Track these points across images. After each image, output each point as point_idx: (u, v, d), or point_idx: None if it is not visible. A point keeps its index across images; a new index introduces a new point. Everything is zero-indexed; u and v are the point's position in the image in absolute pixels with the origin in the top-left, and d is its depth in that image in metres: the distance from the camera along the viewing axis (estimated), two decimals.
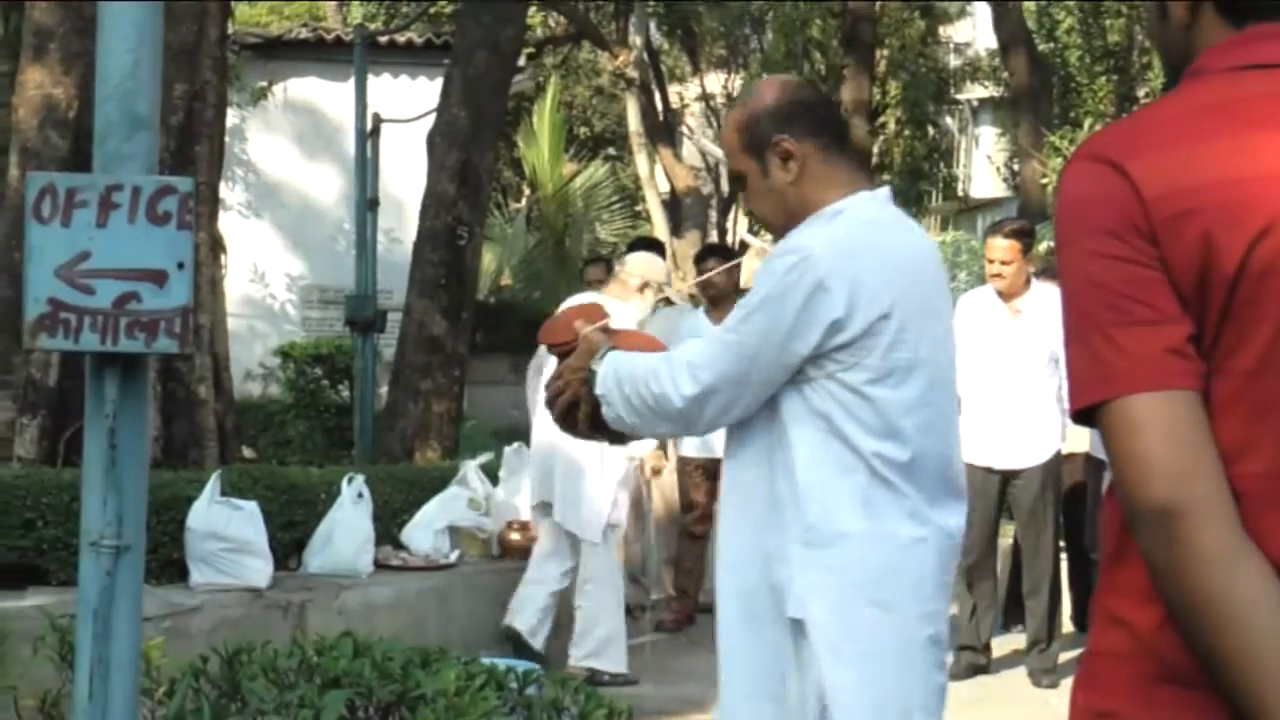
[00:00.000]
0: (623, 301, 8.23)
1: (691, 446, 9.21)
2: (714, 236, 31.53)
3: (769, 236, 12.69)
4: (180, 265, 2.31)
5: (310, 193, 18.47)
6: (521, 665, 6.82)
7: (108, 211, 2.31)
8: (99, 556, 2.34)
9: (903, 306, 3.36)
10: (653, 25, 30.65)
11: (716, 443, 9.41)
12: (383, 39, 18.01)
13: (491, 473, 9.24)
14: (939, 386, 3.47)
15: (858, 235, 3.46)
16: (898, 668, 3.34)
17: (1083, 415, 1.94)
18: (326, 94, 18.43)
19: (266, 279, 18.68)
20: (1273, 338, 1.85)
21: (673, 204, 30.44)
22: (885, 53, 23.76)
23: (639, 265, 8.67)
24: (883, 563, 3.37)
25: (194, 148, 9.10)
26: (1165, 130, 1.94)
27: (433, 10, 22.66)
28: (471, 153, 10.45)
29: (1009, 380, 8.07)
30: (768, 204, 3.64)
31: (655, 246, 9.61)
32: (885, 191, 3.63)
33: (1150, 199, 1.87)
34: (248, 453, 14.14)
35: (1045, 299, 7.90)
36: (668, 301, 9.07)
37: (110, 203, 2.31)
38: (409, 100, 15.45)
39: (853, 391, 3.35)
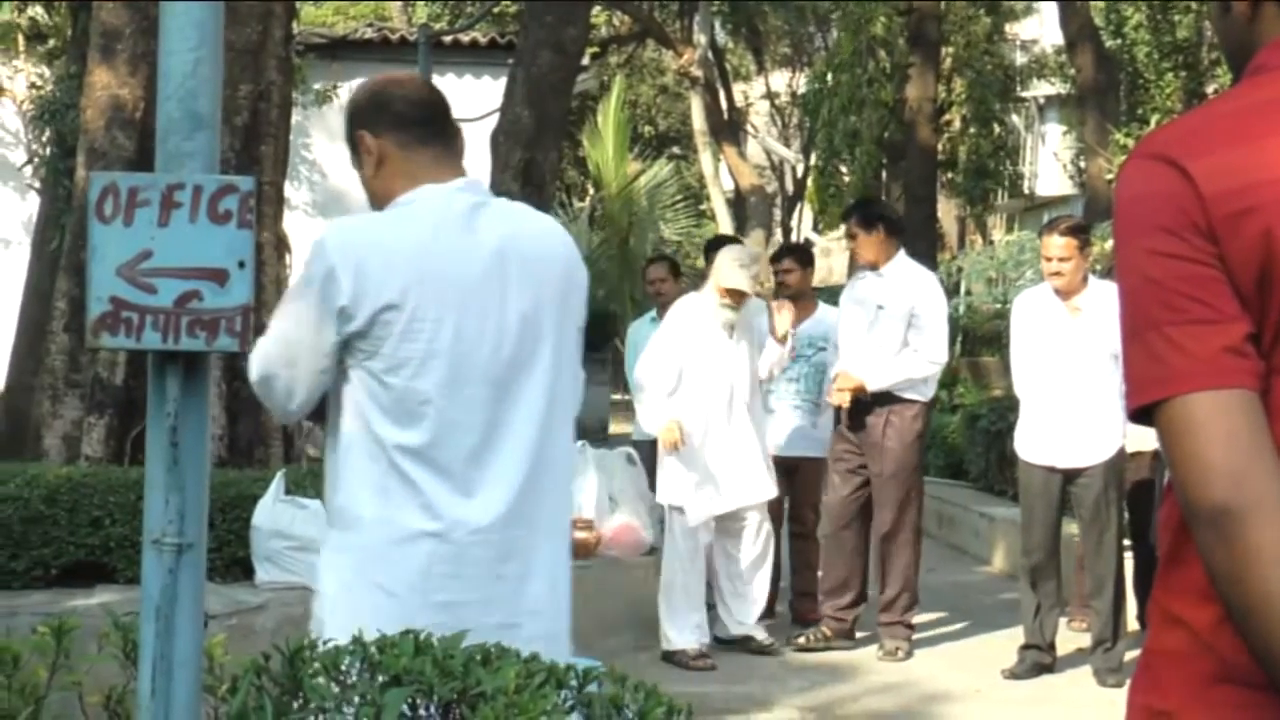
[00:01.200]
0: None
1: None
2: (778, 235, 31.53)
3: (831, 235, 12.64)
4: (241, 264, 2.32)
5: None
6: (583, 663, 6.84)
7: (169, 210, 2.31)
8: (161, 554, 2.35)
9: (418, 297, 3.40)
10: (717, 24, 30.68)
11: (784, 440, 9.49)
12: (447, 39, 18.06)
13: None
14: (466, 380, 3.46)
15: (373, 226, 3.59)
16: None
17: (1140, 414, 1.93)
18: None
19: None
20: None
21: (737, 202, 30.46)
22: (950, 50, 23.66)
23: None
24: (389, 550, 3.47)
25: (259, 147, 9.15)
26: (1224, 127, 1.93)
27: (496, 10, 22.74)
28: (535, 152, 10.45)
29: (1069, 378, 8.02)
30: (367, 194, 3.76)
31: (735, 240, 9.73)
32: (460, 184, 3.62)
33: (1209, 196, 1.86)
34: (314, 451, 14.21)
35: (1104, 296, 7.85)
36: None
37: (172, 202, 2.32)
38: (473, 99, 15.47)
39: (375, 379, 3.43)
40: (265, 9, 9.16)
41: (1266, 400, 1.87)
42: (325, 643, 2.93)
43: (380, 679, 2.99)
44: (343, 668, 3.10)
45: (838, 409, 9.13)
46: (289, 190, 18.45)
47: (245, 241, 2.34)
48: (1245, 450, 1.82)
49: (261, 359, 3.57)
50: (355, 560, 3.55)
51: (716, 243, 10.02)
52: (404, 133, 3.66)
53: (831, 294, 12.74)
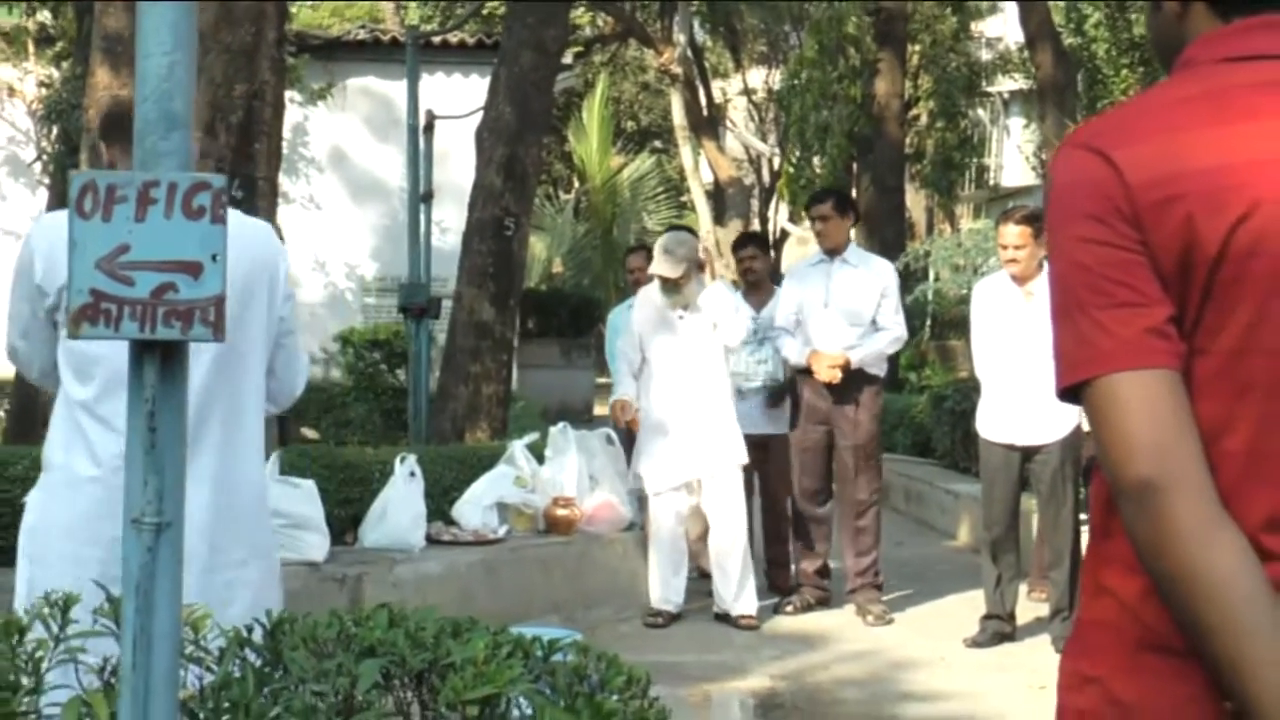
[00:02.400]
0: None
1: None
2: (755, 225, 31.52)
3: (807, 224, 12.66)
4: (214, 257, 2.32)
5: (369, 186, 18.54)
6: (557, 633, 6.85)
7: (145, 207, 2.32)
8: (140, 533, 2.35)
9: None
10: (696, 24, 30.65)
11: (754, 419, 9.54)
12: (436, 39, 18.06)
13: (537, 452, 9.28)
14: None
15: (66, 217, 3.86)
16: (68, 575, 3.64)
17: (1068, 394, 1.95)
18: (384, 92, 18.51)
19: (327, 268, 18.77)
20: (1252, 319, 1.86)
21: (716, 194, 30.46)
22: (917, 48, 23.67)
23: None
24: (65, 491, 3.94)
25: (253, 145, 9.11)
26: (1151, 119, 1.95)
27: (485, 11, 22.71)
28: (517, 147, 10.47)
29: (1025, 360, 8.04)
30: None
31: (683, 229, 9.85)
32: None
33: (1134, 185, 1.88)
34: (311, 433, 14.24)
35: None
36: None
37: (148, 198, 2.32)
38: (462, 97, 15.50)
39: (64, 345, 3.96)
40: (258, 11, 9.11)
41: (1188, 380, 1.88)
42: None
43: (355, 650, 3.00)
44: (320, 639, 3.11)
45: (793, 392, 9.32)
46: (287, 184, 18.49)
47: (218, 236, 2.34)
48: (1167, 427, 1.84)
49: (6, 335, 4.07)
50: (44, 499, 4.03)
51: (632, 249, 10.19)
52: (126, 142, 3.79)
53: None
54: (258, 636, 3.17)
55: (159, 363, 2.37)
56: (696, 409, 8.83)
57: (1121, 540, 1.92)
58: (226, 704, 2.86)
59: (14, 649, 3.21)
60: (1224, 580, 1.79)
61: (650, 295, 9.11)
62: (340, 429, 15.04)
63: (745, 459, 9.01)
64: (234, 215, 3.85)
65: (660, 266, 8.84)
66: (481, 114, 10.96)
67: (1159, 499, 1.82)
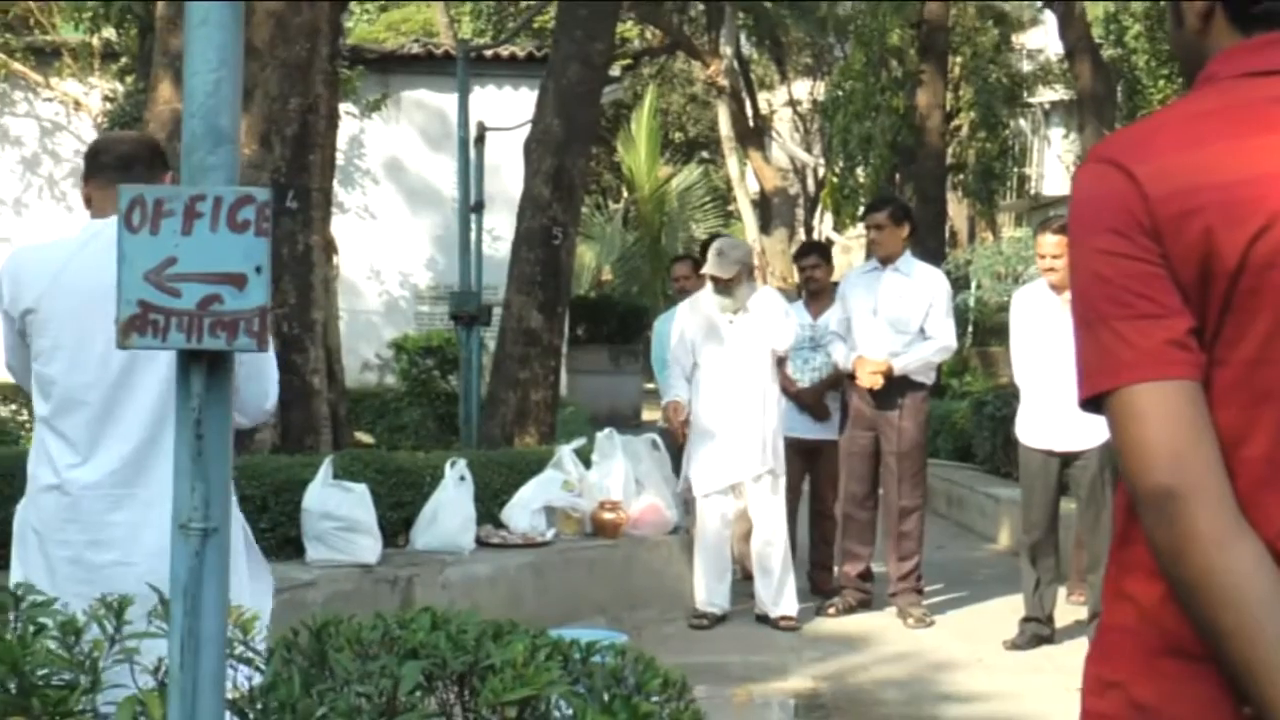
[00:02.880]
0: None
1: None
2: (800, 234, 31.49)
3: (852, 233, 12.60)
4: (258, 269, 2.33)
5: (423, 196, 18.62)
6: (602, 635, 6.85)
7: (192, 220, 2.33)
8: (188, 538, 2.36)
9: (48, 306, 4.15)
10: (742, 36, 30.64)
11: (806, 424, 9.55)
12: (488, 53, 18.12)
13: (585, 456, 9.29)
14: (84, 368, 4.12)
15: (36, 249, 4.38)
16: (43, 575, 4.05)
17: (1090, 404, 1.95)
18: (437, 104, 18.57)
19: (382, 277, 18.84)
20: (1270, 330, 1.85)
21: (762, 203, 30.44)
22: (958, 60, 23.59)
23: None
24: (35, 498, 4.21)
25: (308, 157, 9.18)
26: (1171, 134, 1.94)
27: (536, 25, 22.77)
28: (565, 158, 10.49)
29: (1064, 367, 7.95)
30: None
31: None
32: (98, 225, 4.21)
33: (1154, 199, 1.88)
34: (366, 438, 14.30)
35: None
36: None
37: (194, 212, 2.33)
38: (513, 109, 15.56)
39: (34, 365, 4.23)
40: (312, 27, 9.18)
41: (1208, 390, 1.88)
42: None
43: (398, 652, 3.01)
44: (365, 641, 3.12)
45: (843, 399, 9.31)
46: (344, 195, 18.60)
47: (262, 248, 2.35)
48: (1186, 436, 1.84)
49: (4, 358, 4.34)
50: (22, 505, 4.30)
51: (708, 243, 10.18)
52: (98, 178, 4.31)
53: None
54: (304, 639, 3.18)
55: (205, 372, 2.39)
56: (744, 413, 8.81)
57: (1141, 547, 1.92)
58: (275, 704, 2.87)
59: (70, 649, 3.23)
60: (1241, 586, 1.79)
61: (701, 300, 9.11)
62: (394, 434, 15.11)
63: (782, 467, 8.98)
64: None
65: (714, 267, 8.83)
66: (530, 126, 10.98)
67: (1177, 506, 1.82)
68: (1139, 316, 1.87)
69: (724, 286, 8.83)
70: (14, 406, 14.72)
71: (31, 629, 3.28)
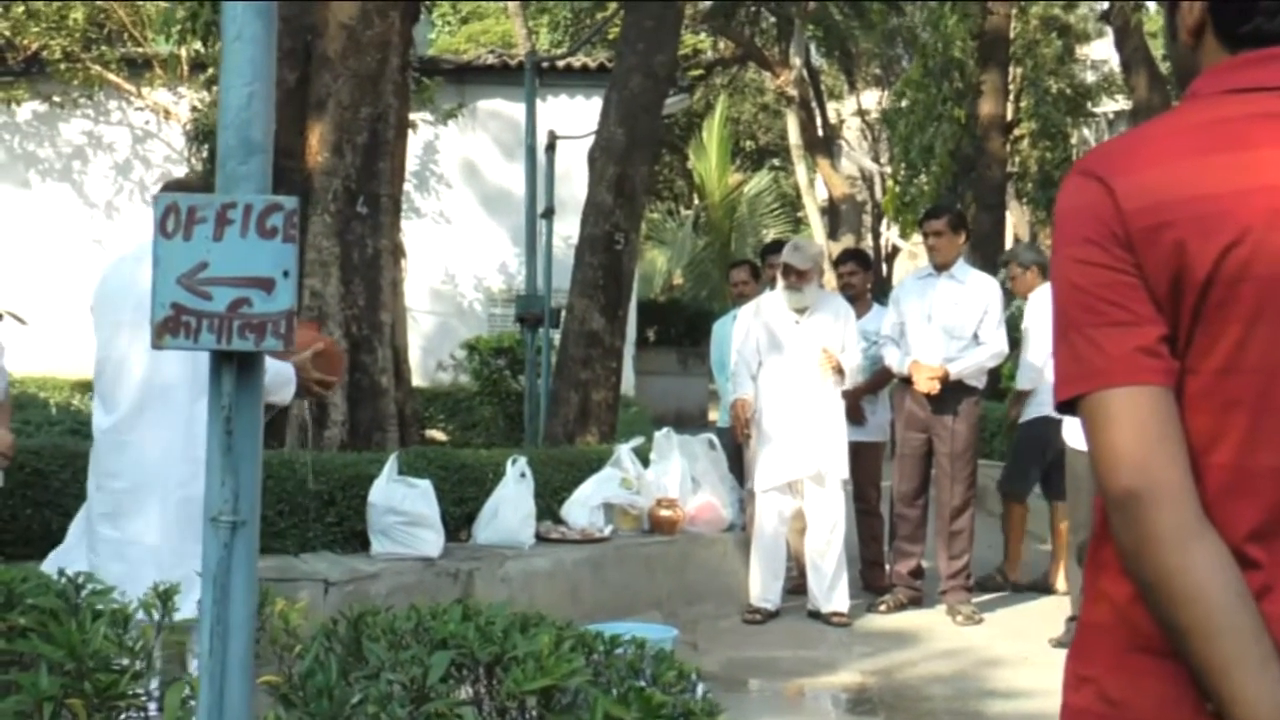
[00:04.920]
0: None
1: None
2: (869, 241, 31.39)
3: (917, 240, 12.50)
4: (285, 273, 2.37)
5: (497, 202, 18.71)
6: (654, 630, 6.87)
7: (223, 227, 2.38)
8: (218, 530, 2.41)
9: (100, 310, 5.45)
10: (812, 47, 30.58)
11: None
12: (560, 63, 18.19)
13: (643, 455, 9.31)
14: (115, 352, 5.32)
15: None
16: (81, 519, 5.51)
17: (1066, 407, 1.97)
18: (511, 113, 18.66)
19: (458, 280, 18.95)
20: (1239, 340, 1.87)
21: (830, 211, 30.37)
22: (1019, 71, 23.44)
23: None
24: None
25: (378, 164, 9.26)
26: (1151, 148, 1.96)
27: (610, 36, 22.82)
28: (627, 166, 10.51)
29: None
30: None
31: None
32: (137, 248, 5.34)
33: (1129, 211, 1.90)
34: (439, 435, 14.40)
35: None
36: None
37: (225, 219, 2.38)
38: (584, 118, 15.58)
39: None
40: (384, 40, 9.26)
41: (1180, 396, 1.89)
42: None
43: (429, 642, 3.05)
44: (399, 632, 3.16)
45: (890, 401, 9.35)
46: (419, 201, 18.72)
47: (289, 254, 2.39)
48: (1152, 441, 1.86)
49: None
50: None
51: (771, 247, 10.15)
52: None
53: None
54: (342, 628, 3.22)
55: (235, 372, 2.43)
56: (806, 412, 8.81)
57: (1115, 547, 1.93)
58: (313, 690, 2.91)
59: (120, 636, 3.29)
60: (1200, 585, 1.80)
61: (765, 303, 9.13)
62: (466, 431, 15.20)
63: (844, 473, 8.98)
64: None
65: (791, 257, 8.87)
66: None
67: (1141, 508, 1.84)
68: (1112, 324, 1.90)
69: (797, 281, 8.83)
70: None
71: (90, 616, 3.35)
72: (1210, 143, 1.91)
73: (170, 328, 2.40)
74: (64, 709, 3.09)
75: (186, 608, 3.72)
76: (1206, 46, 2.05)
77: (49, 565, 5.47)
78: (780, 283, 9.00)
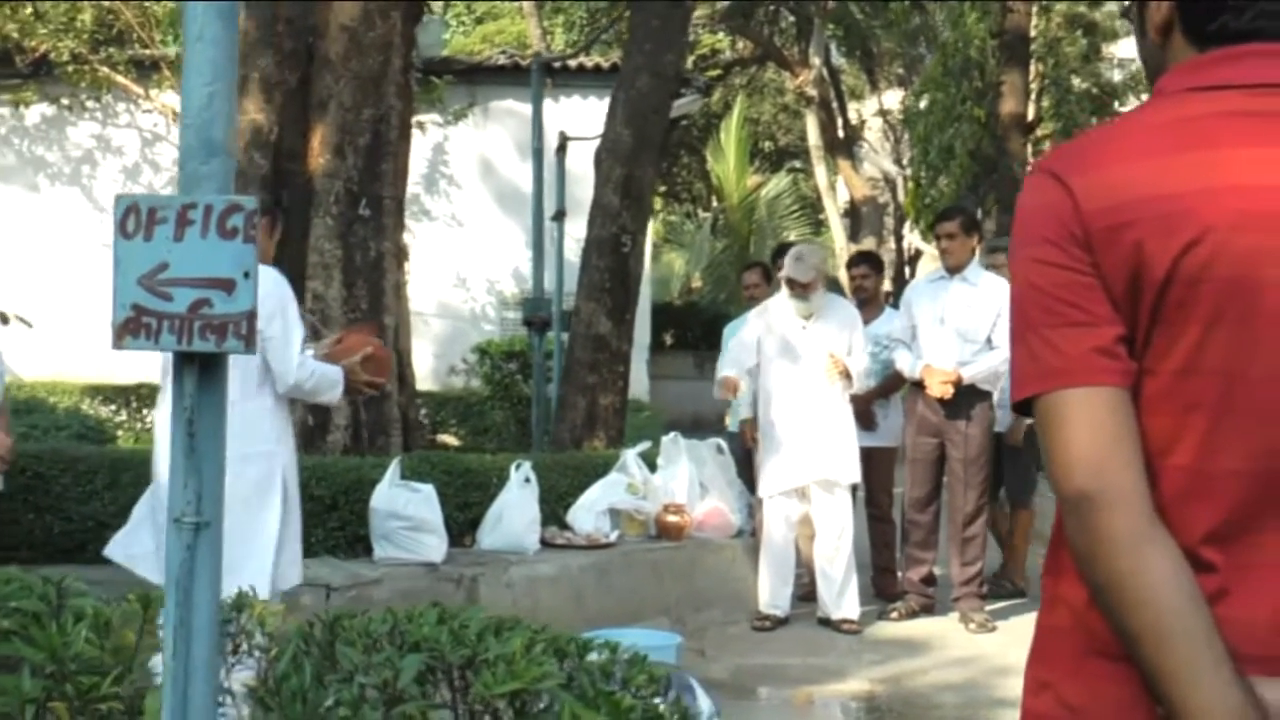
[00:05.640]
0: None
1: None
2: (890, 244, 31.34)
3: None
4: (246, 274, 2.39)
5: (509, 204, 18.73)
6: (660, 637, 6.88)
7: (183, 227, 2.40)
8: (180, 532, 2.43)
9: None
10: (832, 46, 30.54)
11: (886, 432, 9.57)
12: (573, 64, 18.22)
13: (650, 460, 9.33)
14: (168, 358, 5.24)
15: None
16: None
17: (1022, 407, 1.98)
18: (523, 113, 18.66)
19: (468, 284, 18.97)
20: (1198, 341, 1.87)
21: (851, 213, 30.33)
22: (1041, 70, 23.37)
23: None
24: None
25: (380, 166, 9.30)
26: (1112, 147, 1.96)
27: (625, 35, 22.81)
28: (634, 168, 10.53)
29: None
30: None
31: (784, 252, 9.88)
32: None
33: (1087, 211, 1.90)
34: (451, 440, 14.42)
35: None
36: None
37: (186, 219, 2.40)
38: (598, 118, 15.57)
39: None
40: (385, 40, 9.30)
41: (1138, 398, 1.90)
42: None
43: (402, 646, 3.07)
44: (374, 635, 3.18)
45: (903, 405, 9.35)
46: (430, 203, 18.76)
47: (249, 254, 2.41)
48: (1106, 442, 1.86)
49: None
50: None
51: (781, 250, 10.15)
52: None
53: None
54: (318, 631, 3.25)
55: (198, 374, 2.46)
56: (813, 418, 8.81)
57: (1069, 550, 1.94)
58: (288, 694, 2.94)
59: (102, 640, 3.32)
60: (1150, 589, 1.81)
61: (773, 307, 9.11)
62: (478, 436, 15.24)
63: (855, 477, 8.98)
64: None
65: (792, 270, 8.84)
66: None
67: (1093, 511, 1.84)
68: (1068, 325, 1.90)
69: (801, 291, 8.83)
70: (113, 407, 14.99)
71: (71, 620, 3.39)
72: (1174, 142, 1.91)
73: (131, 329, 2.43)
74: (47, 711, 3.12)
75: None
76: (1174, 44, 2.05)
77: (115, 547, 6.03)
78: (785, 291, 9.00)
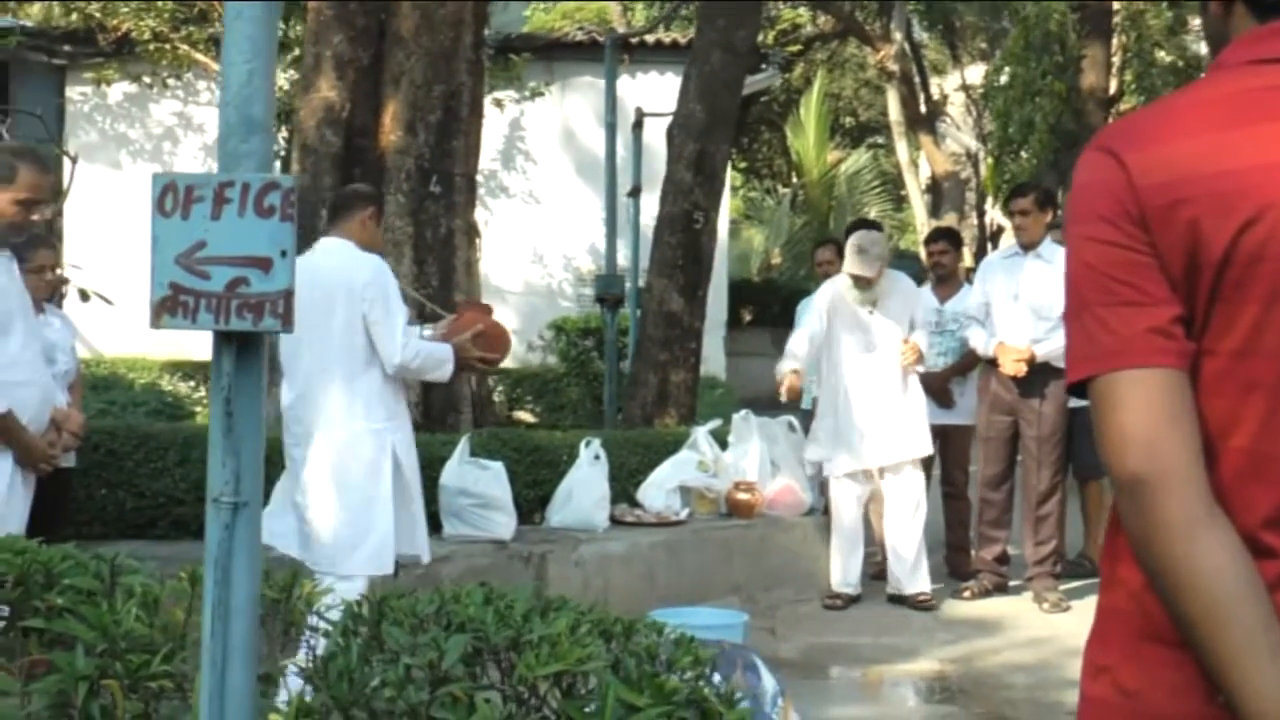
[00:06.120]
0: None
1: None
2: (972, 220, 31.09)
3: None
4: (283, 253, 2.38)
5: (587, 181, 18.70)
6: (727, 616, 6.85)
7: (221, 205, 2.39)
8: (219, 511, 2.42)
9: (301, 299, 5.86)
10: (914, 21, 30.32)
11: (931, 408, 9.45)
12: (650, 39, 18.17)
13: (721, 438, 9.29)
14: (297, 336, 5.71)
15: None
16: None
17: (1077, 389, 1.93)
18: (600, 90, 18.65)
19: (545, 260, 18.99)
20: (1257, 321, 1.82)
21: (933, 188, 30.12)
22: (1122, 42, 23.05)
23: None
24: None
25: (451, 143, 9.31)
26: (1170, 122, 1.91)
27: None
28: (706, 144, 10.48)
29: None
30: None
31: (872, 225, 9.76)
32: (323, 241, 6.41)
33: (1143, 188, 1.86)
34: (527, 417, 14.45)
35: None
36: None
37: (223, 198, 2.39)
38: (673, 95, 15.52)
39: None
40: (457, 16, 9.30)
41: (1196, 379, 1.86)
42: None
43: (449, 626, 3.06)
44: (420, 615, 3.17)
45: (979, 382, 9.25)
46: (507, 180, 18.78)
47: (287, 232, 2.40)
48: (1162, 424, 1.82)
49: None
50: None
51: (851, 227, 10.09)
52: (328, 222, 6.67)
53: None
54: (365, 611, 3.24)
55: (235, 353, 2.44)
56: (882, 399, 8.77)
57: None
58: (335, 674, 2.93)
59: (151, 618, 3.33)
60: (1207, 574, 1.77)
61: (840, 287, 9.03)
62: (554, 413, 15.26)
63: (927, 450, 8.94)
64: (325, 244, 6.32)
65: (856, 266, 8.76)
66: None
67: (1149, 494, 1.80)
68: (1123, 304, 1.86)
69: (865, 283, 8.77)
70: (192, 383, 15.12)
71: (122, 598, 3.40)
72: (1233, 116, 1.86)
73: (169, 307, 2.42)
74: (101, 689, 3.13)
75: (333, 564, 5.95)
76: (1235, 15, 2.00)
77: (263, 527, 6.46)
78: (848, 280, 8.92)
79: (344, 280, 6.09)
